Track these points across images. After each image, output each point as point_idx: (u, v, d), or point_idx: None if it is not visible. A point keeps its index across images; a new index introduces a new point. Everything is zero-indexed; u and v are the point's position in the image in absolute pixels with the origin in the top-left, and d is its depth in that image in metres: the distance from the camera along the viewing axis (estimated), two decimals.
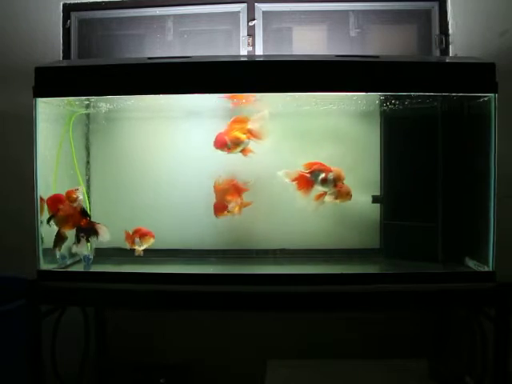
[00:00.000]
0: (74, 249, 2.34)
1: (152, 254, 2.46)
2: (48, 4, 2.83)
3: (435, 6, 2.76)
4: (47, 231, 2.27)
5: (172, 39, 2.84)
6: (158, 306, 2.34)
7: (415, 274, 2.18)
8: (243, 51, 2.77)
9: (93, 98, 2.44)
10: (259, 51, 2.77)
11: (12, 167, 2.80)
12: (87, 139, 2.68)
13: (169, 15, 2.84)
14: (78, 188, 2.35)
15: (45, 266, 2.25)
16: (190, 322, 2.80)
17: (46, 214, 2.27)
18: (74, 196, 2.30)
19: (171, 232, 2.59)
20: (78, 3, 2.84)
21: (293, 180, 2.36)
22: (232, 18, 2.81)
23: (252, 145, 2.37)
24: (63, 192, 2.32)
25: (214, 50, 2.81)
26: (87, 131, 2.68)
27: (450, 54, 2.71)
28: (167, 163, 2.65)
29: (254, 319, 2.76)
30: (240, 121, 2.36)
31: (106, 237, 2.33)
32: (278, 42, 2.82)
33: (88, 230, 2.33)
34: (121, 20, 2.87)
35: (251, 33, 2.77)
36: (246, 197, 2.43)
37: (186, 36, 2.84)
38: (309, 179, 2.35)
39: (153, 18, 2.85)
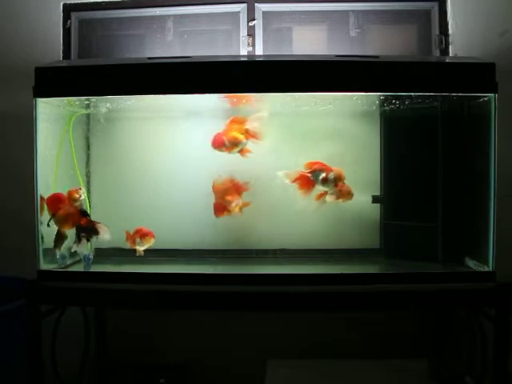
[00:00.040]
0: (75, 248, 2.34)
1: (152, 254, 2.46)
2: (48, 4, 2.83)
3: (435, 6, 2.76)
4: (47, 231, 2.28)
5: (172, 39, 2.85)
6: (158, 306, 2.34)
7: (415, 274, 2.18)
8: (243, 51, 2.77)
9: (93, 98, 2.44)
10: (259, 51, 2.78)
11: (12, 167, 2.80)
12: (87, 139, 2.68)
13: (169, 15, 2.84)
14: (80, 188, 2.35)
15: (45, 266, 2.25)
16: (190, 322, 2.80)
17: (46, 214, 2.28)
18: (76, 196, 2.31)
19: (171, 232, 2.59)
20: (78, 3, 2.84)
21: (294, 180, 2.36)
22: (232, 18, 2.81)
23: (252, 145, 2.37)
24: (63, 192, 2.32)
25: (214, 50, 2.81)
26: (87, 131, 2.68)
27: (450, 54, 2.71)
28: (167, 163, 2.65)
29: (254, 319, 2.76)
30: (238, 121, 2.36)
31: (107, 236, 2.33)
32: (278, 42, 2.82)
33: (88, 229, 2.33)
34: (121, 20, 2.87)
35: (251, 33, 2.77)
36: (246, 197, 2.43)
37: (186, 36, 2.85)
38: (310, 179, 2.35)
39: (153, 18, 2.85)
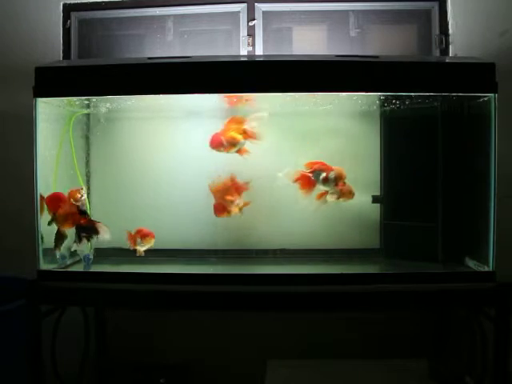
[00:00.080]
0: (75, 247, 2.34)
1: (152, 254, 2.46)
2: (48, 4, 2.83)
3: (435, 6, 2.76)
4: (47, 230, 2.27)
5: (172, 39, 2.84)
6: (158, 306, 2.34)
7: (415, 274, 2.18)
8: (243, 51, 2.77)
9: (93, 98, 2.44)
10: (259, 51, 2.78)
11: (12, 167, 2.80)
12: (87, 139, 2.68)
13: (169, 15, 2.84)
14: (81, 188, 2.36)
15: (45, 266, 2.25)
16: (190, 322, 2.80)
17: (46, 213, 2.27)
18: (78, 196, 2.31)
19: (171, 232, 2.59)
20: (78, 3, 2.84)
21: (295, 180, 2.36)
22: (232, 18, 2.81)
23: (252, 145, 2.37)
24: (64, 192, 2.32)
25: (214, 50, 2.81)
26: (87, 131, 2.68)
27: (450, 54, 2.71)
28: (167, 163, 2.65)
29: (253, 319, 2.76)
30: (236, 121, 2.36)
31: (107, 236, 2.33)
32: (278, 42, 2.82)
33: (88, 228, 2.33)
34: (121, 20, 2.87)
35: (251, 33, 2.77)
36: (246, 197, 2.43)
37: (186, 36, 2.84)
38: (311, 179, 2.35)
39: (153, 18, 2.85)
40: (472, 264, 2.29)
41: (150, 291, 2.15)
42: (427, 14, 2.79)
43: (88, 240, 2.34)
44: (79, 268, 2.41)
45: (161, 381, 2.71)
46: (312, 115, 2.57)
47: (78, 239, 2.33)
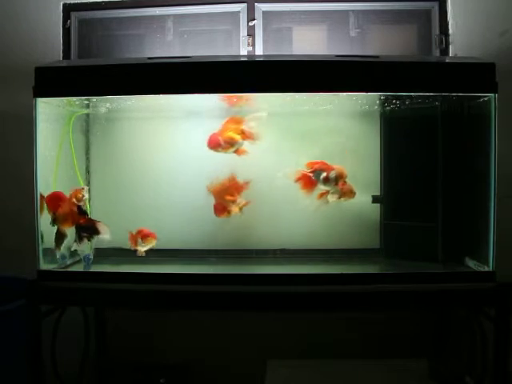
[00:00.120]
0: (75, 247, 2.34)
1: (152, 254, 2.46)
2: (48, 4, 2.83)
3: (435, 6, 2.76)
4: (47, 230, 2.27)
5: (172, 39, 2.84)
6: (157, 306, 2.34)
7: (415, 274, 2.18)
8: (243, 51, 2.77)
9: (93, 98, 2.44)
10: (259, 51, 2.77)
11: (12, 167, 2.80)
12: (87, 139, 2.68)
13: (169, 15, 2.84)
14: (83, 188, 2.36)
15: (45, 266, 2.25)
16: (190, 322, 2.80)
17: (46, 213, 2.27)
18: (80, 195, 2.31)
19: (171, 232, 2.59)
20: (77, 3, 2.84)
21: (296, 180, 2.36)
22: (232, 18, 2.81)
23: (253, 145, 2.37)
24: (64, 192, 2.32)
25: (214, 50, 2.81)
26: (87, 131, 2.68)
27: (450, 54, 2.71)
28: (167, 163, 2.65)
29: (254, 319, 2.76)
30: (235, 121, 2.36)
31: (107, 236, 2.33)
32: (278, 42, 2.82)
33: (88, 228, 2.33)
34: (121, 20, 2.87)
35: (251, 33, 2.77)
36: (246, 197, 2.43)
37: (185, 36, 2.84)
38: (311, 178, 2.35)
39: (153, 18, 2.85)
40: (472, 264, 2.29)
41: (149, 291, 2.15)
42: (427, 14, 2.79)
43: (89, 240, 2.34)
44: (79, 268, 2.41)
45: (161, 381, 2.71)
46: (312, 115, 2.56)
47: (79, 239, 2.33)
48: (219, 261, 2.56)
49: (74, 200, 2.31)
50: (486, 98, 2.16)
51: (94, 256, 2.46)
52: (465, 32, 2.70)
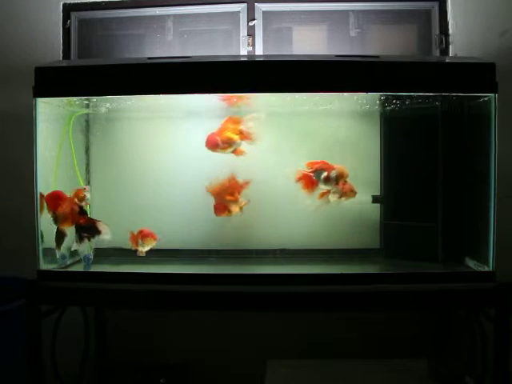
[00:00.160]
0: (75, 246, 2.34)
1: (152, 254, 2.46)
2: (48, 4, 2.83)
3: (435, 6, 2.76)
4: (47, 230, 2.27)
5: (172, 39, 2.84)
6: (157, 306, 2.34)
7: (415, 273, 2.18)
8: (243, 51, 2.77)
9: (93, 98, 2.44)
10: (259, 51, 2.77)
11: (12, 167, 2.80)
12: (87, 139, 2.68)
13: (169, 15, 2.84)
14: (84, 188, 2.36)
15: (45, 266, 2.25)
16: (190, 322, 2.80)
17: (46, 213, 2.27)
18: (82, 195, 2.31)
19: (171, 232, 2.58)
20: (77, 3, 2.84)
21: (297, 180, 2.36)
22: (232, 18, 2.81)
23: (252, 145, 2.37)
24: (65, 192, 2.32)
25: (214, 49, 2.81)
26: (87, 131, 2.68)
27: (450, 54, 2.71)
28: (167, 163, 2.65)
29: (254, 319, 2.76)
30: (233, 121, 2.36)
31: (107, 236, 2.32)
32: (278, 42, 2.82)
33: (88, 227, 2.33)
34: (121, 20, 2.87)
35: (251, 33, 2.77)
36: (246, 197, 2.43)
37: (185, 36, 2.84)
38: (312, 178, 2.35)
39: (153, 17, 2.85)
40: (472, 264, 2.29)
41: (149, 291, 2.15)
42: (427, 13, 2.79)
43: (89, 240, 2.34)
44: (79, 268, 2.41)
45: (161, 381, 2.71)
46: (312, 115, 2.57)
47: (79, 239, 2.32)
48: (219, 261, 2.56)
49: (76, 200, 2.31)
50: (486, 98, 2.16)
51: (94, 256, 2.46)
52: (465, 32, 2.70)
